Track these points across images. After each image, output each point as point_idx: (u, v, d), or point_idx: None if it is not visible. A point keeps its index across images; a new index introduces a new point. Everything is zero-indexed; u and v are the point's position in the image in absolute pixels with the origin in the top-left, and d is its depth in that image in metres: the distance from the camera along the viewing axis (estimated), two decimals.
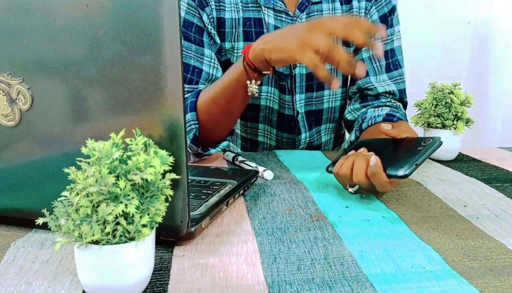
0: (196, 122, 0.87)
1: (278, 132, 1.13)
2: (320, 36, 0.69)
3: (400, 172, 0.64)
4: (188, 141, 0.89)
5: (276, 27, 1.02)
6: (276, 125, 1.12)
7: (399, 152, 0.72)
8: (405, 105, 1.10)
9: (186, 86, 0.95)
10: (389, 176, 0.65)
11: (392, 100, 1.07)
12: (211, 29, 1.00)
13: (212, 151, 0.91)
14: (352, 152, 0.76)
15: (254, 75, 0.78)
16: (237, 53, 1.03)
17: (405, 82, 1.09)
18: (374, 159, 0.66)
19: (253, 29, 1.02)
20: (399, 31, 1.09)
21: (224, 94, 0.84)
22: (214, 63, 0.98)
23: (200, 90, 0.91)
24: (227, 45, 1.03)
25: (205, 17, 0.99)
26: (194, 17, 0.98)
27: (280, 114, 1.11)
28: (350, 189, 0.72)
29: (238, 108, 0.86)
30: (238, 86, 0.80)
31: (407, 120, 1.01)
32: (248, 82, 0.79)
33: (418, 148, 0.67)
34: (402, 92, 1.08)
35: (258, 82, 0.79)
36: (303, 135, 1.13)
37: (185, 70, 0.95)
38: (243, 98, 0.82)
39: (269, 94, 1.08)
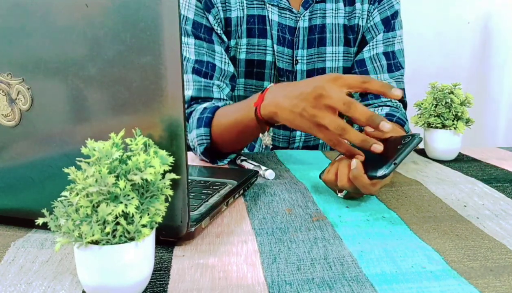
0: (209, 138, 0.90)
1: (274, 130, 1.14)
2: (328, 116, 0.68)
3: (379, 173, 0.64)
4: (199, 153, 0.93)
5: (279, 24, 1.06)
6: None
7: (382, 152, 0.72)
8: (405, 105, 1.11)
9: (202, 80, 0.99)
10: (370, 178, 0.65)
11: (393, 100, 1.07)
12: (217, 29, 1.02)
13: (220, 163, 0.94)
14: (340, 156, 0.76)
15: (266, 127, 0.80)
16: (240, 49, 1.06)
17: (404, 83, 1.11)
18: (355, 162, 0.66)
19: (256, 26, 1.06)
20: (401, 36, 1.11)
21: (235, 128, 0.86)
22: (225, 59, 1.02)
23: (218, 107, 0.93)
24: (232, 42, 1.06)
25: (211, 18, 1.02)
26: (202, 18, 1.01)
27: None
28: (339, 194, 0.72)
29: (247, 141, 0.92)
30: (248, 127, 0.82)
31: (407, 120, 1.02)
32: (261, 135, 0.83)
33: (398, 147, 0.67)
34: (402, 91, 1.08)
35: (270, 133, 0.83)
36: (298, 132, 1.13)
37: (200, 65, 0.99)
38: (252, 135, 0.86)
39: None
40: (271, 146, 0.85)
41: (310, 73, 1.09)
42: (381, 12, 1.09)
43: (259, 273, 0.49)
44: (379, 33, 1.09)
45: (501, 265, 0.51)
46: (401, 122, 0.99)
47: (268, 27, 1.06)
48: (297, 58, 1.08)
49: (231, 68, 1.03)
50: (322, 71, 1.10)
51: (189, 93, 0.99)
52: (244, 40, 1.06)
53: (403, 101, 1.10)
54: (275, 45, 1.06)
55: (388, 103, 1.05)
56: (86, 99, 0.51)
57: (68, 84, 0.51)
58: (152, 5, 0.47)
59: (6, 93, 0.54)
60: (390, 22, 1.09)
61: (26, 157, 0.56)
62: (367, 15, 1.09)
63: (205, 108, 0.93)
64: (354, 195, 0.71)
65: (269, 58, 1.07)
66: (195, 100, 0.99)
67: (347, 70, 1.11)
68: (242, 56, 1.07)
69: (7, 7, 0.52)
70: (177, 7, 0.46)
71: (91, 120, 0.52)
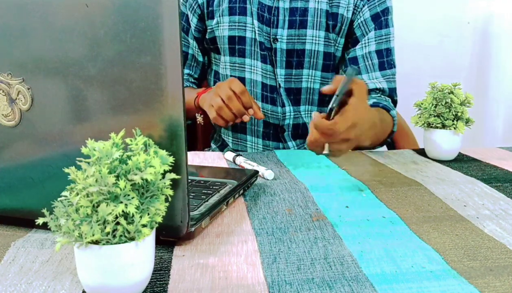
0: None
1: (263, 105, 1.15)
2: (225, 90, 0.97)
3: (328, 107, 0.74)
4: None
5: (259, 3, 1.09)
6: (261, 98, 1.15)
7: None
8: (395, 103, 1.14)
9: None
10: (327, 117, 0.74)
11: (382, 96, 1.11)
12: (192, 18, 1.16)
13: None
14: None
15: (199, 111, 1.09)
16: (222, 26, 1.12)
17: (396, 82, 1.13)
18: (313, 114, 0.75)
19: (238, 4, 1.10)
20: (393, 34, 1.13)
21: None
22: (197, 50, 1.20)
23: None
24: (214, 21, 1.13)
25: (187, 10, 1.15)
26: (185, 9, 1.15)
27: (263, 85, 1.14)
28: (323, 152, 0.78)
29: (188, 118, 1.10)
30: (190, 110, 1.11)
31: (393, 109, 1.08)
32: (196, 114, 1.10)
33: (341, 85, 0.77)
34: (393, 90, 1.12)
35: (202, 116, 1.07)
36: (287, 108, 1.15)
37: None
38: (190, 117, 1.14)
39: (252, 67, 1.13)
40: (202, 123, 1.12)
41: (290, 53, 1.11)
42: (371, 9, 1.09)
43: (259, 273, 0.49)
44: (369, 31, 1.10)
45: (501, 265, 0.51)
46: (387, 108, 1.06)
47: (248, 5, 1.10)
48: (277, 36, 1.10)
49: (200, 58, 1.20)
50: (301, 52, 1.11)
51: None
52: (226, 18, 1.11)
53: (392, 98, 1.13)
54: (255, 21, 1.09)
55: (377, 98, 1.10)
56: (86, 99, 0.51)
57: (68, 84, 0.51)
58: (152, 5, 0.47)
59: (6, 93, 0.54)
60: (380, 19, 1.10)
61: (26, 157, 0.56)
62: (354, 9, 1.10)
63: None
64: (335, 153, 0.79)
65: (249, 34, 1.11)
66: None
67: (327, 55, 1.12)
68: (225, 32, 1.12)
69: (7, 7, 0.52)
70: (177, 7, 0.46)
71: (91, 120, 0.52)
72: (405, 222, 0.63)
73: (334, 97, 0.74)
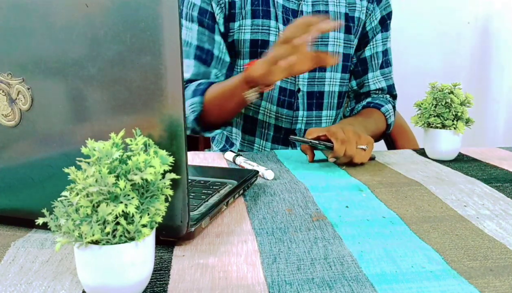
0: (201, 106, 1.02)
1: (278, 109, 1.16)
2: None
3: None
4: (190, 121, 1.04)
5: (284, 6, 1.10)
6: (277, 101, 1.15)
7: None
8: (394, 97, 1.24)
9: (202, 67, 1.09)
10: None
11: (381, 94, 1.21)
12: (219, 17, 1.09)
13: (207, 134, 1.09)
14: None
15: (248, 87, 0.92)
16: (244, 29, 1.10)
17: (393, 79, 1.23)
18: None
19: (261, 7, 1.10)
20: (391, 35, 1.23)
21: (225, 95, 1.00)
22: (223, 48, 1.11)
23: (212, 82, 1.05)
24: (236, 24, 1.10)
25: (214, 5, 1.08)
26: (208, 5, 1.08)
27: (281, 89, 1.14)
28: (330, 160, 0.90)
29: (234, 109, 1.03)
30: (235, 93, 0.95)
31: (387, 103, 1.18)
32: (246, 92, 0.92)
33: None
34: (391, 87, 1.22)
35: (256, 88, 0.92)
36: (300, 112, 1.16)
37: (201, 51, 1.09)
38: (237, 102, 0.98)
39: None
40: (260, 98, 0.97)
41: None
42: (381, 12, 1.17)
43: (259, 273, 0.49)
44: (377, 33, 1.18)
45: (501, 265, 0.51)
46: (377, 106, 1.15)
47: (272, 9, 1.09)
48: None
49: (227, 58, 1.11)
50: None
51: (186, 75, 1.08)
52: (248, 21, 1.09)
53: (392, 94, 1.22)
54: (280, 25, 1.10)
55: (373, 97, 1.20)
56: (86, 99, 0.51)
57: (68, 84, 0.51)
58: (152, 5, 0.47)
59: (6, 93, 0.54)
60: (386, 22, 1.19)
61: (26, 157, 0.56)
62: (366, 12, 1.16)
63: (200, 83, 1.05)
64: (349, 153, 0.88)
65: (272, 38, 1.10)
66: (191, 82, 1.07)
67: (346, 56, 1.16)
68: (247, 36, 1.10)
69: (7, 7, 0.52)
70: (177, 7, 0.46)
71: (91, 120, 0.52)
72: (405, 222, 0.63)
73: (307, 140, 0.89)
